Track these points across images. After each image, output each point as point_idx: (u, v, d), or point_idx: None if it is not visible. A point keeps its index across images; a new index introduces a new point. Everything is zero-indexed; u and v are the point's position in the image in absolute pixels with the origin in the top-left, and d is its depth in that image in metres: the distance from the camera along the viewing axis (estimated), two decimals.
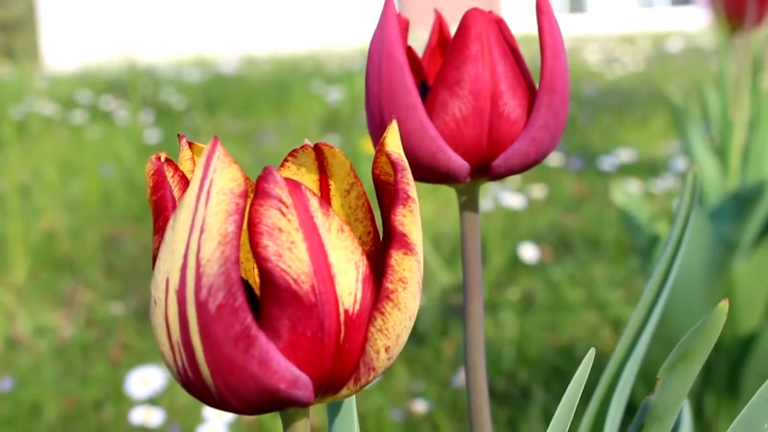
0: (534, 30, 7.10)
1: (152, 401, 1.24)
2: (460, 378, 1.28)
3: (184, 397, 1.28)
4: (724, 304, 0.33)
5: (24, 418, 1.27)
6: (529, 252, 1.72)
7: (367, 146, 2.37)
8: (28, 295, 1.77)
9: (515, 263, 1.80)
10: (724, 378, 1.13)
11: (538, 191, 2.25)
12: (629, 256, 1.82)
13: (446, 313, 1.56)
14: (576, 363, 1.34)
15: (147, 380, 1.15)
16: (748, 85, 1.32)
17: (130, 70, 4.79)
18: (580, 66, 5.16)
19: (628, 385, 0.44)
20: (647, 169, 2.51)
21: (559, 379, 1.31)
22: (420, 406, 1.22)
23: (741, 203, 1.07)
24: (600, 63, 5.35)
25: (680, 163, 2.36)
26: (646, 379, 1.14)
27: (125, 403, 1.28)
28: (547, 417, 1.21)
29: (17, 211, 2.23)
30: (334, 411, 0.37)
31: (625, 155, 2.56)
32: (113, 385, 1.34)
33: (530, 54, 5.19)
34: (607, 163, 2.47)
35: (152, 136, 3.11)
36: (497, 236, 1.90)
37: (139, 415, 1.12)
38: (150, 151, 2.97)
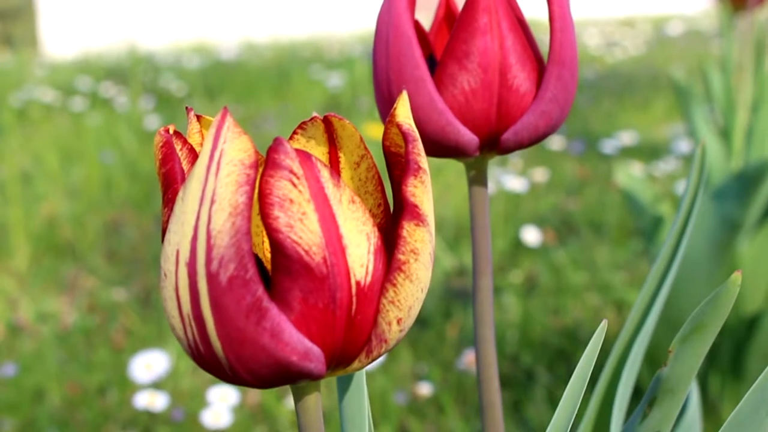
0: (540, 15, 7.09)
1: (156, 386, 1.24)
2: (464, 360, 1.28)
3: (187, 381, 1.28)
4: (737, 276, 0.32)
5: (27, 403, 1.27)
6: (531, 235, 1.72)
7: (369, 131, 2.37)
8: (31, 282, 1.77)
9: (518, 246, 1.80)
10: (728, 359, 1.13)
11: (540, 174, 2.25)
12: (632, 238, 1.82)
13: (449, 297, 1.56)
14: (579, 345, 1.34)
15: (150, 365, 1.15)
16: (751, 66, 1.31)
17: (129, 57, 4.78)
18: (580, 50, 5.14)
19: (635, 367, 0.44)
20: (648, 152, 2.51)
21: (562, 361, 1.31)
22: (424, 389, 1.22)
23: (744, 183, 1.06)
24: (600, 47, 5.34)
25: (682, 146, 2.35)
26: (651, 360, 1.13)
27: (129, 387, 1.28)
28: (552, 399, 1.21)
29: (18, 198, 2.22)
30: (344, 390, 0.37)
31: (626, 138, 2.55)
32: (116, 370, 1.34)
33: (538, 38, 5.17)
34: (608, 146, 2.47)
35: (152, 122, 3.11)
36: (500, 219, 1.90)
37: (143, 400, 1.12)
38: (150, 137, 2.96)
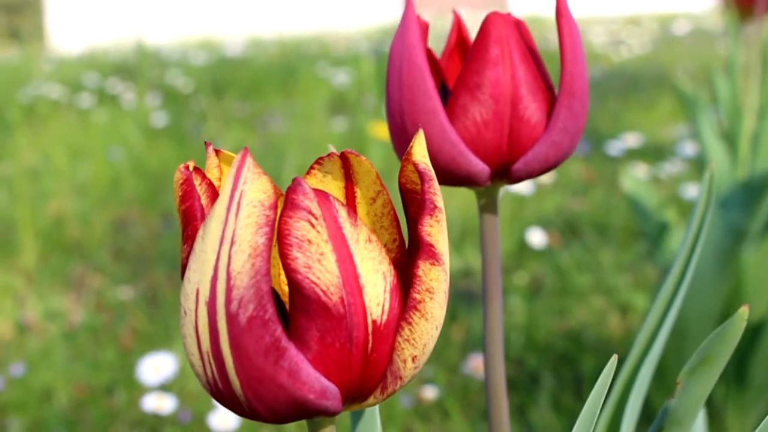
0: (541, 12, 7.09)
1: (164, 387, 1.25)
2: (469, 364, 1.28)
3: (195, 383, 1.29)
4: (744, 310, 0.33)
5: (35, 403, 1.28)
6: (536, 237, 1.73)
7: (374, 130, 2.37)
8: (38, 280, 1.78)
9: (523, 248, 1.80)
10: (732, 366, 1.14)
11: (546, 176, 2.25)
12: (637, 241, 1.82)
13: (455, 298, 1.56)
14: (584, 349, 1.35)
15: (158, 367, 1.16)
16: (757, 72, 1.32)
17: (136, 53, 4.79)
18: (585, 48, 5.14)
19: (643, 387, 0.45)
20: (654, 153, 2.51)
21: (567, 365, 1.32)
22: (430, 393, 1.23)
23: (750, 192, 1.07)
24: (606, 45, 5.33)
25: (687, 148, 2.35)
26: (658, 376, 1.14)
27: (136, 388, 1.29)
28: (556, 403, 1.22)
29: (26, 195, 2.23)
30: (357, 419, 0.38)
31: (632, 139, 2.56)
32: (124, 370, 1.35)
33: (537, 37, 5.16)
34: (614, 147, 2.47)
35: (159, 119, 3.11)
36: (505, 221, 1.90)
37: (151, 402, 1.12)
38: (157, 134, 2.97)
